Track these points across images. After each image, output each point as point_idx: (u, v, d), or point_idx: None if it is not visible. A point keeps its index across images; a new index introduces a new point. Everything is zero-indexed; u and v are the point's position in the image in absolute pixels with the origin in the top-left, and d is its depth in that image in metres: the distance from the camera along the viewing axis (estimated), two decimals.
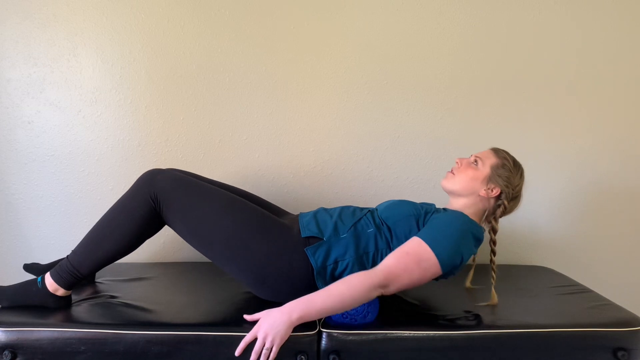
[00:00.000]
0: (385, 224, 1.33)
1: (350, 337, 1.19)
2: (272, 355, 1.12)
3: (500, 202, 1.37)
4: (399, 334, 1.19)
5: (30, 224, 1.79)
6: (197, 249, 1.34)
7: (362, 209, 1.41)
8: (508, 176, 1.36)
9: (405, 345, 1.19)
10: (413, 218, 1.31)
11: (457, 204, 1.40)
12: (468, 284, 1.52)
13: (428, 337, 1.20)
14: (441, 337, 1.20)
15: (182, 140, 1.78)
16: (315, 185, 1.83)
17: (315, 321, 1.23)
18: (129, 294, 1.40)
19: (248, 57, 1.75)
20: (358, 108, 1.81)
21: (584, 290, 1.52)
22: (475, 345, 1.21)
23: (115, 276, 1.56)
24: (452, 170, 1.42)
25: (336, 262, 1.29)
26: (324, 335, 1.19)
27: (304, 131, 1.80)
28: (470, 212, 1.38)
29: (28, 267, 1.50)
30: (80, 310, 1.27)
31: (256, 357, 1.12)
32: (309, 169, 1.83)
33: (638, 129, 1.88)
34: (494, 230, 1.39)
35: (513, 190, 1.37)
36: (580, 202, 1.90)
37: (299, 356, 1.17)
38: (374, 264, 1.30)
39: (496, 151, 1.41)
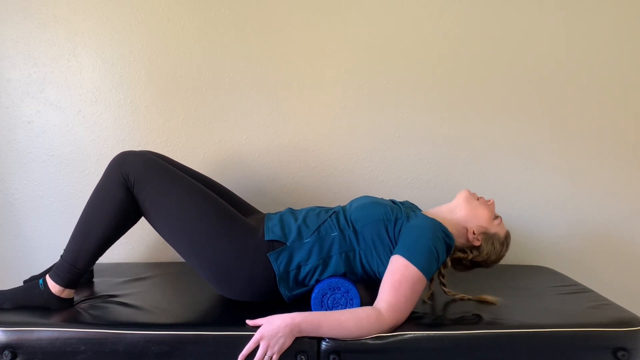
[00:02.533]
0: (353, 225, 1.32)
1: None
2: None
3: (468, 252, 1.40)
4: (399, 334, 1.19)
5: (30, 224, 1.79)
6: (162, 236, 1.34)
7: (327, 210, 1.41)
8: (494, 251, 1.40)
9: (405, 345, 1.19)
10: (382, 223, 1.30)
11: (442, 215, 1.41)
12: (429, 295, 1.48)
13: (428, 337, 1.20)
14: (441, 337, 1.20)
15: (182, 140, 1.78)
16: (315, 185, 1.83)
17: None
18: (128, 294, 1.40)
19: (248, 57, 1.75)
20: (358, 108, 1.81)
21: (584, 290, 1.52)
22: (476, 345, 1.21)
23: (115, 276, 1.56)
24: (481, 197, 1.43)
25: (299, 267, 1.29)
26: None
27: (304, 131, 1.80)
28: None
29: (28, 282, 1.49)
30: (80, 310, 1.27)
31: None
32: (309, 169, 1.83)
33: (638, 127, 1.88)
34: (444, 265, 1.40)
35: (483, 259, 1.40)
36: (580, 201, 1.90)
37: (299, 356, 1.17)
38: (337, 266, 1.30)
39: (510, 235, 1.44)
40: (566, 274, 1.74)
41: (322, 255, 1.29)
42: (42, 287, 1.27)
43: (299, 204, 1.81)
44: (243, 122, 1.78)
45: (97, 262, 1.56)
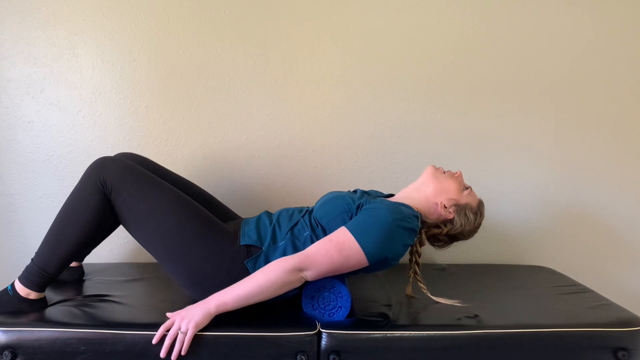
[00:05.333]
0: (319, 223, 1.31)
1: (351, 337, 1.19)
2: (187, 338, 1.13)
3: (441, 227, 1.38)
4: (399, 334, 1.19)
5: (30, 224, 1.79)
6: (139, 242, 1.32)
7: (300, 210, 1.40)
8: (468, 222, 1.37)
9: (405, 345, 1.19)
10: (346, 215, 1.29)
11: (410, 195, 1.39)
12: (409, 291, 1.45)
13: (428, 337, 1.20)
14: (441, 337, 1.20)
15: (182, 140, 1.78)
16: (315, 185, 1.83)
17: (315, 321, 1.24)
18: (128, 294, 1.40)
19: (248, 57, 1.75)
20: (358, 108, 1.81)
21: (584, 290, 1.52)
22: (475, 345, 1.21)
23: (114, 276, 1.56)
24: (447, 171, 1.42)
25: None
26: (324, 335, 1.19)
27: (304, 131, 1.80)
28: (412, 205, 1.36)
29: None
30: (80, 310, 1.27)
31: (170, 341, 1.13)
32: (309, 169, 1.83)
33: (636, 125, 1.88)
34: (420, 243, 1.38)
35: (458, 231, 1.38)
36: (581, 201, 1.90)
37: (299, 356, 1.17)
38: None
39: (482, 203, 1.42)
40: (566, 274, 1.74)
41: None
42: (10, 292, 1.25)
43: (299, 204, 1.81)
44: (243, 122, 1.78)
45: (97, 262, 1.57)
